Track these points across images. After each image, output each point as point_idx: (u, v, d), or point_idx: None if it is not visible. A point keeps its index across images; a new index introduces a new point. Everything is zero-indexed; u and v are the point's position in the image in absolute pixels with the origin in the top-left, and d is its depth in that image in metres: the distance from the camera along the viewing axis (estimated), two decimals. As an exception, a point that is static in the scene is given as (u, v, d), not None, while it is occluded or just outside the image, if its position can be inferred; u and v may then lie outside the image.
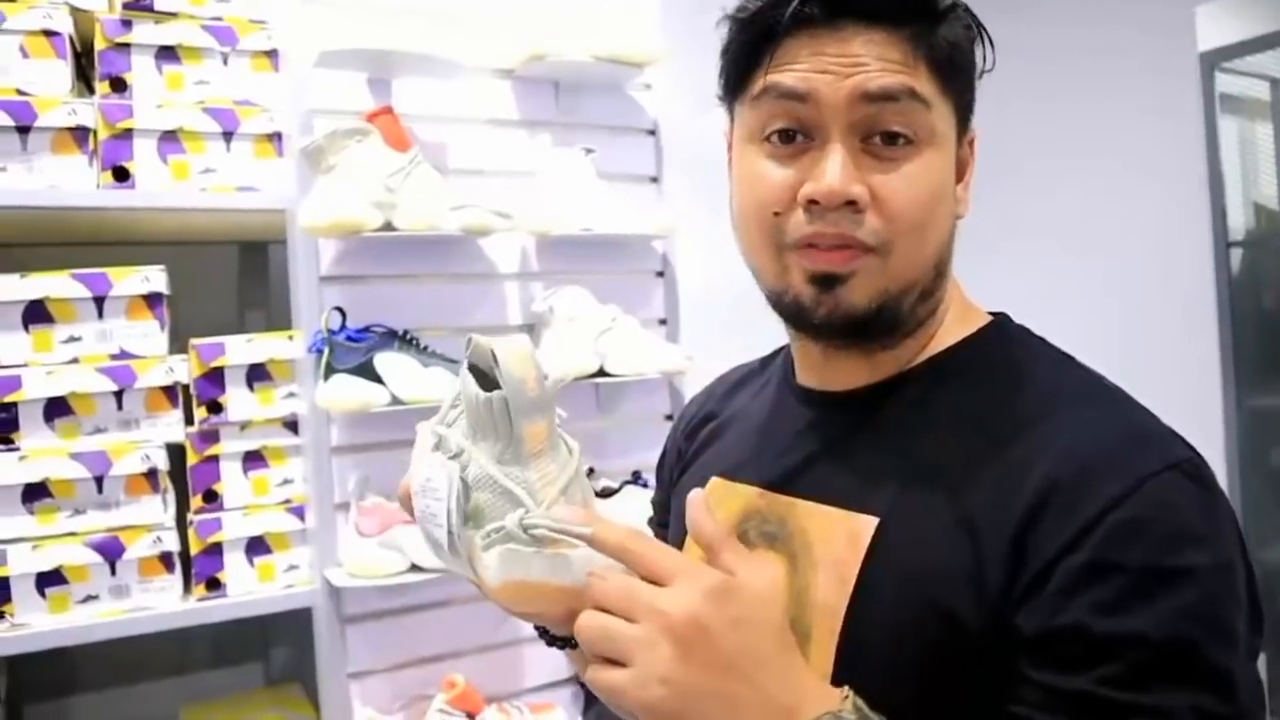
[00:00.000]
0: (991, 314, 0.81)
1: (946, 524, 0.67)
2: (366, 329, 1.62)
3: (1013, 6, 2.64)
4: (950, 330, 0.78)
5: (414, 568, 1.59)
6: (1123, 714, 0.59)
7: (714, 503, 0.81)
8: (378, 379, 1.58)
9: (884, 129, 0.69)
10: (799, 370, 0.84)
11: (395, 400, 1.59)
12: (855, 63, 0.68)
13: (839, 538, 0.71)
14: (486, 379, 0.70)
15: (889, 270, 0.70)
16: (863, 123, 0.69)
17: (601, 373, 1.76)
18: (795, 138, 0.71)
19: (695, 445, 0.94)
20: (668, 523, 0.96)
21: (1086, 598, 0.61)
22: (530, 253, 1.84)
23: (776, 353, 0.93)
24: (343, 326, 1.62)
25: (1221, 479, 2.28)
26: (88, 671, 1.93)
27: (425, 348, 1.65)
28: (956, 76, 0.71)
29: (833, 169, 0.68)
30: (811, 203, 0.69)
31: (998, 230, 2.71)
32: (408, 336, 1.64)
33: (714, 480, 0.85)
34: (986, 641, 0.64)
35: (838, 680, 0.67)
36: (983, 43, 0.73)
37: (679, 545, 0.85)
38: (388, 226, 1.60)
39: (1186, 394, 2.28)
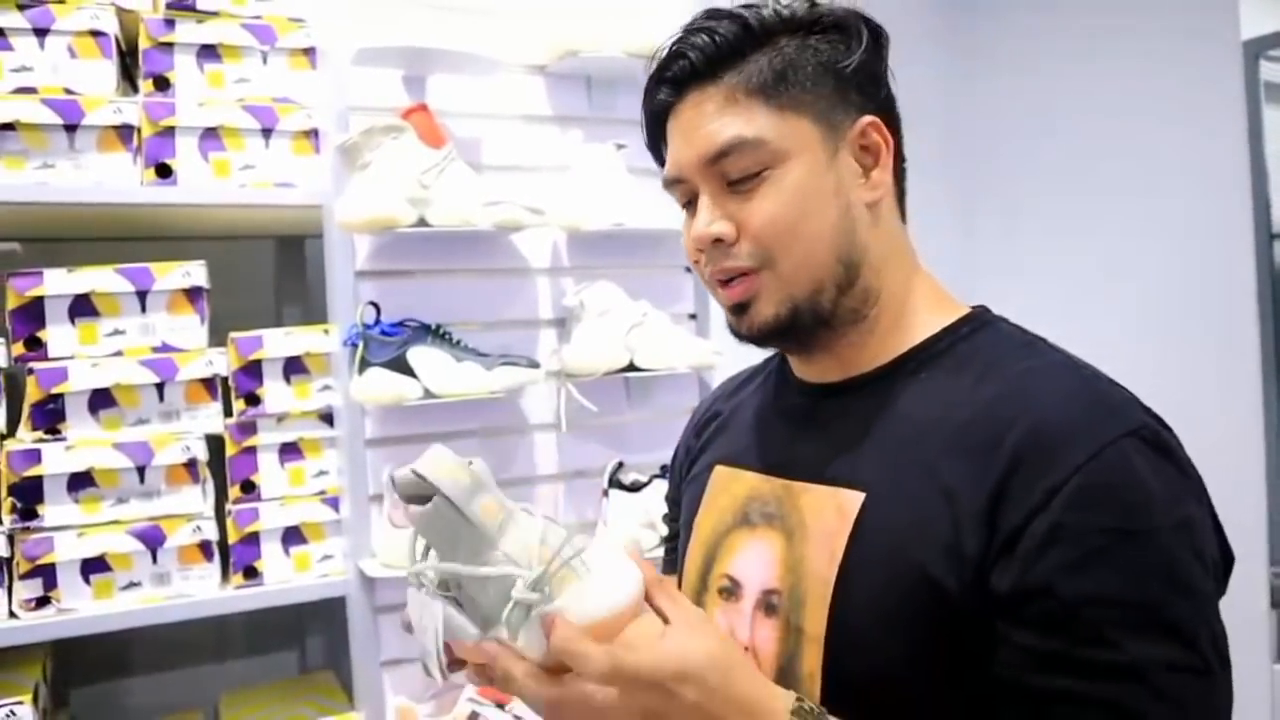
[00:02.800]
0: (971, 307, 0.88)
1: (927, 495, 0.74)
2: (400, 323, 1.65)
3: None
4: (927, 323, 0.85)
5: (446, 559, 1.61)
6: (1098, 671, 0.65)
7: (719, 488, 0.93)
8: (411, 373, 1.61)
9: (731, 176, 0.80)
10: (792, 366, 0.93)
11: (428, 394, 1.61)
12: (694, 129, 0.81)
13: (829, 512, 0.79)
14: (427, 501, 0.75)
15: (782, 279, 0.80)
16: (716, 175, 0.81)
17: (631, 367, 1.77)
18: (691, 203, 0.84)
19: (702, 440, 1.02)
20: (677, 516, 1.03)
21: (1053, 559, 0.67)
22: (562, 248, 1.86)
23: (778, 354, 1.01)
24: (377, 321, 1.64)
25: (1262, 475, 2.25)
26: (130, 656, 1.98)
27: (458, 342, 1.67)
28: (793, 89, 0.80)
29: (698, 220, 0.82)
30: (697, 250, 0.83)
31: (1040, 221, 2.69)
32: (441, 331, 1.66)
33: (718, 468, 0.95)
34: (967, 605, 0.70)
35: (831, 641, 0.76)
36: (847, 39, 0.82)
37: (688, 529, 0.96)
38: (421, 222, 1.62)
39: (1227, 387, 2.26)
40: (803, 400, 0.90)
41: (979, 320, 0.85)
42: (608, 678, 0.68)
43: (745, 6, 0.82)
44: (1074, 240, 2.59)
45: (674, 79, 0.82)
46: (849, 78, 0.81)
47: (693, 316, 1.96)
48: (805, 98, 0.80)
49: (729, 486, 0.92)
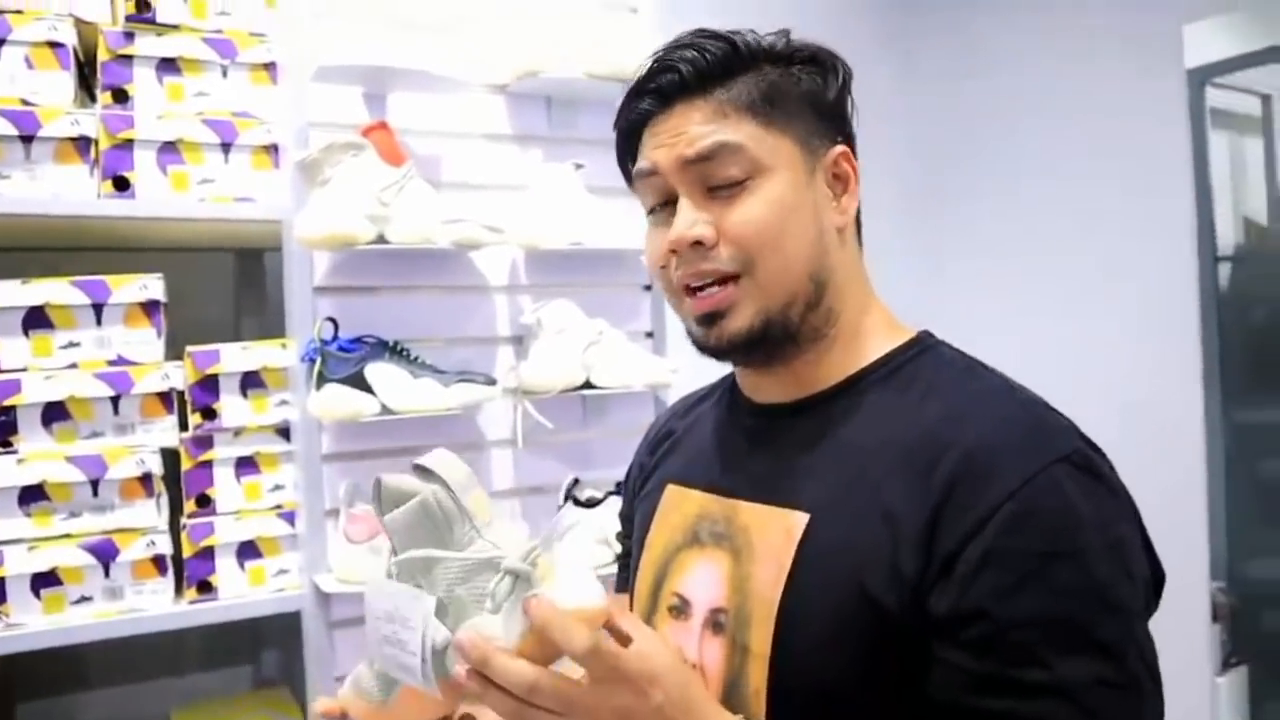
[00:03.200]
0: (918, 332, 0.90)
1: (869, 517, 0.76)
2: (358, 339, 1.66)
3: (1004, 22, 2.67)
4: (876, 346, 0.87)
5: (401, 574, 1.62)
6: (1030, 691, 0.68)
7: (670, 507, 0.95)
8: (368, 389, 1.61)
9: (713, 182, 0.82)
10: (743, 386, 0.94)
11: (385, 410, 1.62)
12: (677, 134, 0.83)
13: (775, 532, 0.81)
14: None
15: (759, 287, 0.81)
16: (698, 179, 0.82)
17: (588, 385, 1.79)
18: (665, 206, 0.85)
19: (656, 458, 1.04)
20: (630, 533, 1.05)
21: (987, 583, 0.69)
22: (520, 266, 1.87)
23: (731, 374, 1.03)
24: (335, 337, 1.65)
25: (1203, 492, 2.30)
26: (81, 671, 1.96)
27: (416, 358, 1.68)
28: (781, 109, 0.83)
29: (678, 221, 0.82)
30: (672, 251, 0.83)
31: (988, 242, 2.75)
32: (398, 347, 1.67)
33: (670, 487, 0.96)
34: (907, 625, 0.72)
35: (776, 660, 0.77)
36: (827, 73, 0.86)
37: (640, 547, 0.97)
38: (380, 239, 1.63)
39: (1172, 407, 2.32)
40: (753, 421, 0.91)
41: (923, 344, 0.88)
42: (588, 656, 0.69)
43: (734, 30, 0.85)
44: (1023, 264, 2.64)
45: (660, 90, 0.84)
46: (826, 109, 0.85)
47: (649, 335, 1.98)
48: (788, 121, 0.83)
49: (680, 505, 0.93)
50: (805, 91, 0.84)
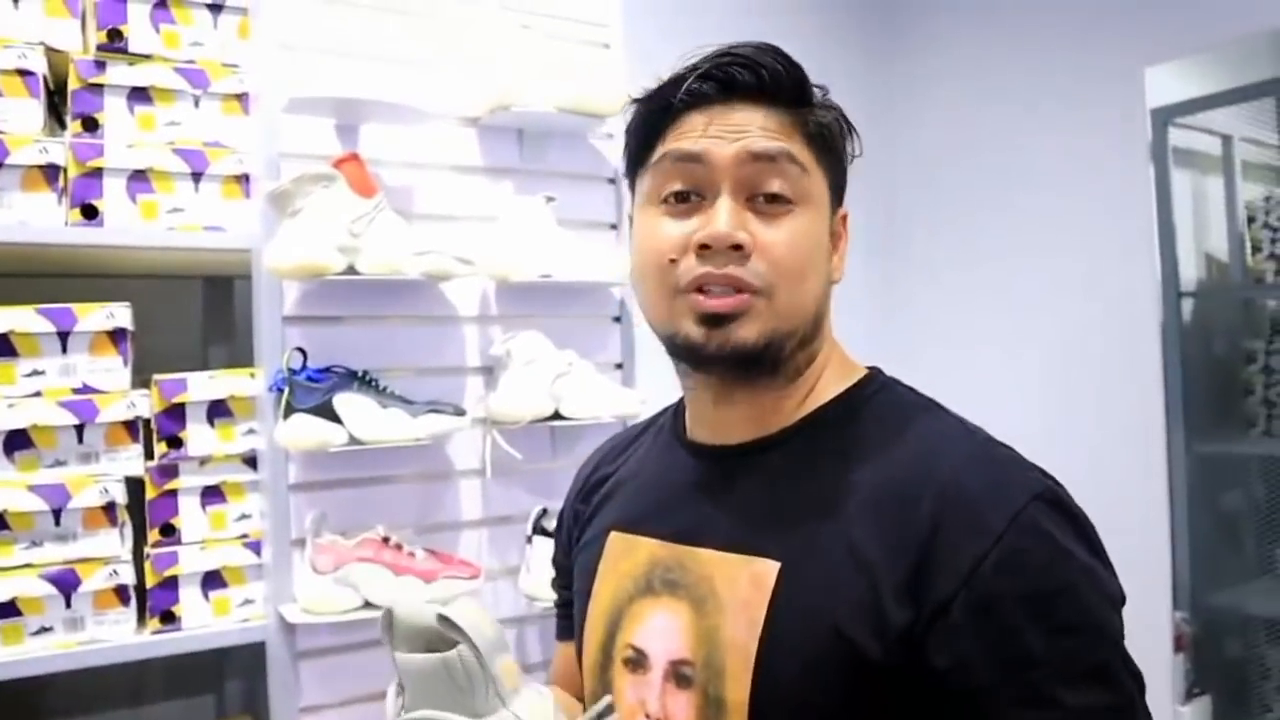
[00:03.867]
0: (867, 368, 0.90)
1: (842, 561, 0.75)
2: (326, 369, 1.66)
3: (967, 60, 2.73)
4: (831, 385, 0.87)
5: (367, 604, 1.62)
6: None
7: (617, 555, 0.91)
8: (337, 419, 1.61)
9: (765, 189, 0.80)
10: (690, 426, 0.93)
11: (353, 440, 1.62)
12: (740, 130, 0.81)
13: (743, 581, 0.79)
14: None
15: (775, 310, 0.80)
16: (748, 181, 0.80)
17: (557, 415, 1.80)
18: (689, 198, 0.82)
19: (592, 506, 1.00)
20: (568, 584, 1.02)
21: (988, 630, 0.70)
22: (490, 297, 1.88)
23: (663, 412, 1.03)
24: (303, 366, 1.65)
25: (1166, 523, 2.34)
26: (40, 704, 1.93)
27: (384, 389, 1.69)
28: (828, 154, 0.84)
29: (723, 216, 0.79)
30: (703, 247, 0.79)
31: (954, 277, 2.78)
32: (367, 378, 1.67)
33: (613, 534, 0.93)
34: (891, 669, 0.72)
35: (754, 711, 0.76)
36: (851, 137, 0.87)
37: (585, 598, 0.94)
38: (351, 270, 1.64)
39: (1135, 440, 2.35)
40: (704, 464, 0.89)
41: (877, 382, 0.88)
42: None
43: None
44: (987, 297, 2.68)
45: (730, 82, 0.81)
46: (844, 167, 0.87)
47: (619, 366, 1.99)
48: (830, 166, 0.85)
49: (629, 552, 0.90)
50: (841, 147, 0.86)
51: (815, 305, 0.83)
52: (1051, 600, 0.70)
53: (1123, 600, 0.77)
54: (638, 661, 0.86)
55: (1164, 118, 2.38)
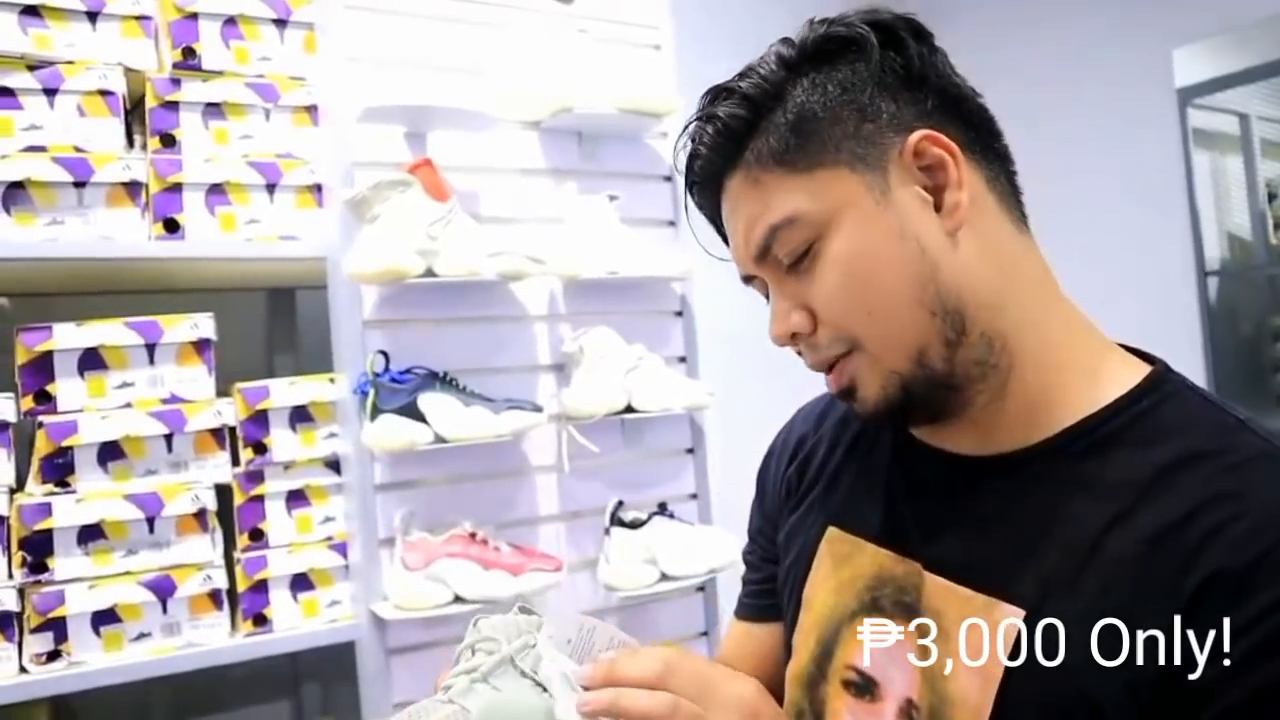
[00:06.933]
0: (1149, 360, 0.74)
1: (1101, 613, 0.63)
2: (408, 371, 1.70)
3: (999, 39, 2.78)
4: (1091, 387, 0.71)
5: (457, 599, 1.66)
6: None
7: (837, 557, 0.81)
8: (422, 418, 1.65)
9: (786, 261, 0.72)
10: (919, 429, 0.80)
11: (438, 439, 1.66)
12: (735, 228, 0.75)
13: (980, 626, 0.68)
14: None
15: (874, 355, 0.70)
16: (772, 264, 0.73)
17: (629, 409, 1.84)
18: (767, 294, 0.77)
19: (804, 479, 0.90)
20: (769, 555, 0.94)
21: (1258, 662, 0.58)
22: (558, 295, 1.92)
23: None
24: (386, 369, 1.69)
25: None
26: (134, 708, 1.96)
27: (464, 388, 1.73)
28: (813, 142, 0.70)
29: (771, 322, 0.75)
30: (781, 346, 0.76)
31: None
32: (448, 378, 1.72)
33: (832, 530, 0.83)
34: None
35: None
36: (859, 60, 0.71)
37: (796, 594, 0.85)
38: (429, 273, 1.68)
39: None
40: (938, 470, 0.76)
41: (1166, 380, 0.71)
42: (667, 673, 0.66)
43: (744, 71, 0.74)
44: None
45: (701, 182, 0.77)
46: (874, 97, 0.70)
47: (682, 359, 2.03)
48: (829, 145, 0.70)
49: (850, 558, 0.80)
50: (839, 95, 0.70)
51: (919, 305, 0.68)
52: None
53: None
54: (864, 688, 0.76)
55: (1185, 98, 2.44)
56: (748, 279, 0.78)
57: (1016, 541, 0.68)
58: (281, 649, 1.71)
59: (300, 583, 1.74)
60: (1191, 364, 2.36)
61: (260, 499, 1.74)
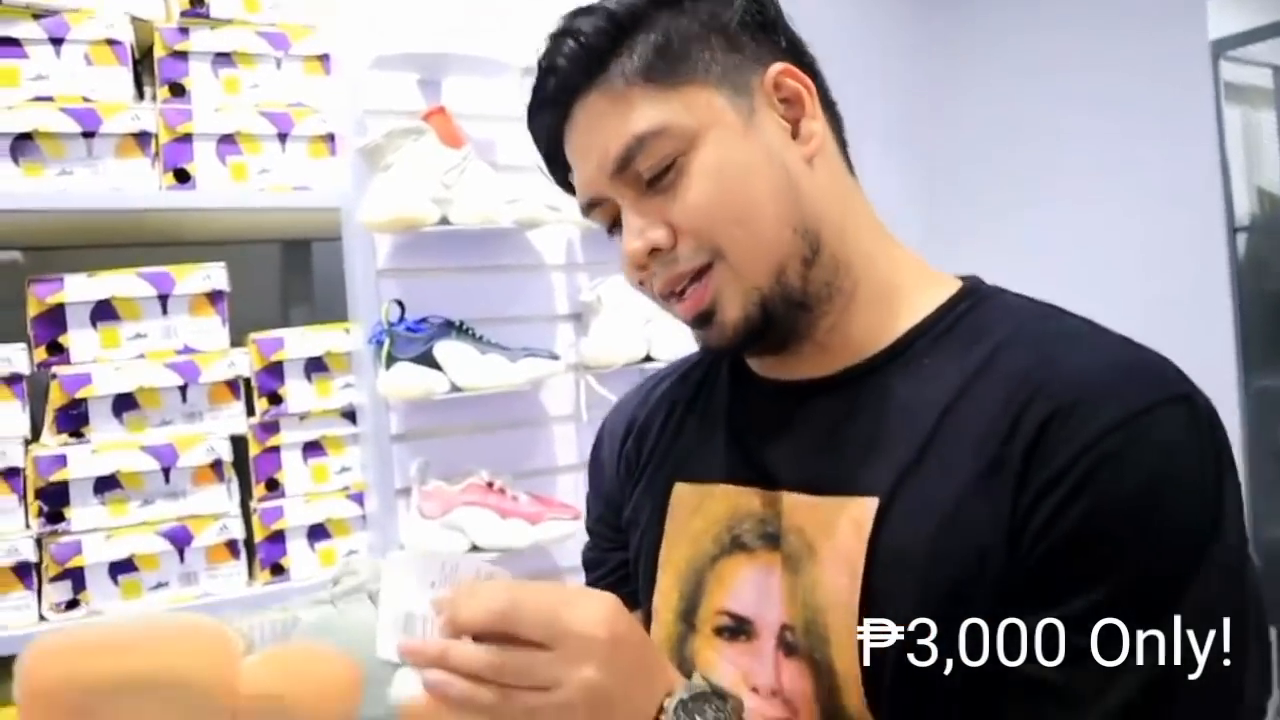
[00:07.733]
0: (961, 278, 0.78)
1: (949, 491, 0.65)
2: (424, 320, 1.68)
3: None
4: (918, 301, 0.75)
5: (474, 548, 1.65)
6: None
7: (687, 510, 0.80)
8: (438, 367, 1.64)
9: (645, 176, 0.70)
10: (757, 363, 0.81)
11: (454, 387, 1.65)
12: (589, 143, 0.72)
13: (842, 527, 0.69)
14: None
15: (739, 269, 0.70)
16: (629, 182, 0.71)
17: (648, 358, 1.82)
18: (617, 224, 0.74)
19: (644, 454, 0.88)
20: (615, 542, 0.91)
21: (1074, 508, 0.61)
22: (576, 243, 1.90)
23: (688, 359, 0.91)
24: (401, 318, 1.67)
25: (1237, 455, 2.35)
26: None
27: (481, 337, 1.71)
28: (683, 62, 0.71)
29: (626, 234, 0.72)
30: (638, 267, 0.73)
31: (1010, 213, 2.78)
32: (464, 326, 1.70)
33: (679, 486, 0.82)
34: (1004, 572, 0.63)
35: (869, 679, 0.66)
36: None
37: (654, 548, 0.82)
38: (444, 221, 1.66)
39: (1200, 375, 2.36)
40: (777, 399, 0.78)
41: (978, 293, 0.76)
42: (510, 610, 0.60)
43: None
44: (1043, 234, 2.68)
45: (553, 98, 0.74)
46: (737, 32, 0.72)
47: (699, 309, 2.01)
48: (699, 66, 0.71)
49: (701, 506, 0.79)
50: (706, 24, 0.72)
51: (784, 219, 0.71)
52: (1163, 492, 0.61)
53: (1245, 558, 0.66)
54: (738, 630, 0.75)
55: (1217, 51, 2.38)
56: (592, 205, 0.75)
57: (861, 443, 0.71)
58: (298, 598, 1.71)
59: (317, 532, 1.74)
60: (1220, 319, 2.31)
61: (276, 449, 1.73)
